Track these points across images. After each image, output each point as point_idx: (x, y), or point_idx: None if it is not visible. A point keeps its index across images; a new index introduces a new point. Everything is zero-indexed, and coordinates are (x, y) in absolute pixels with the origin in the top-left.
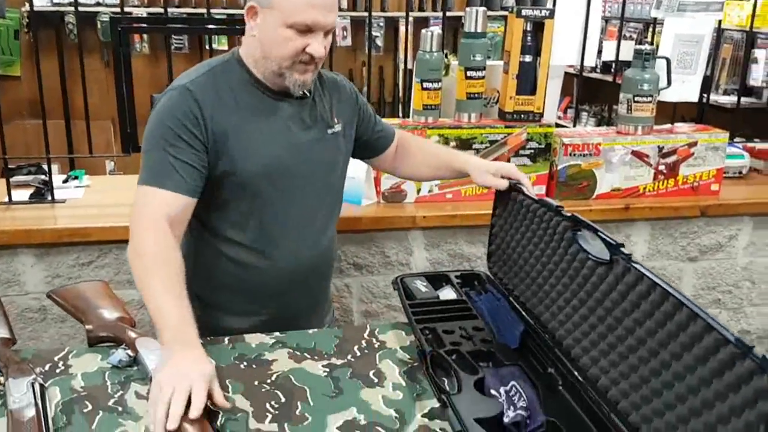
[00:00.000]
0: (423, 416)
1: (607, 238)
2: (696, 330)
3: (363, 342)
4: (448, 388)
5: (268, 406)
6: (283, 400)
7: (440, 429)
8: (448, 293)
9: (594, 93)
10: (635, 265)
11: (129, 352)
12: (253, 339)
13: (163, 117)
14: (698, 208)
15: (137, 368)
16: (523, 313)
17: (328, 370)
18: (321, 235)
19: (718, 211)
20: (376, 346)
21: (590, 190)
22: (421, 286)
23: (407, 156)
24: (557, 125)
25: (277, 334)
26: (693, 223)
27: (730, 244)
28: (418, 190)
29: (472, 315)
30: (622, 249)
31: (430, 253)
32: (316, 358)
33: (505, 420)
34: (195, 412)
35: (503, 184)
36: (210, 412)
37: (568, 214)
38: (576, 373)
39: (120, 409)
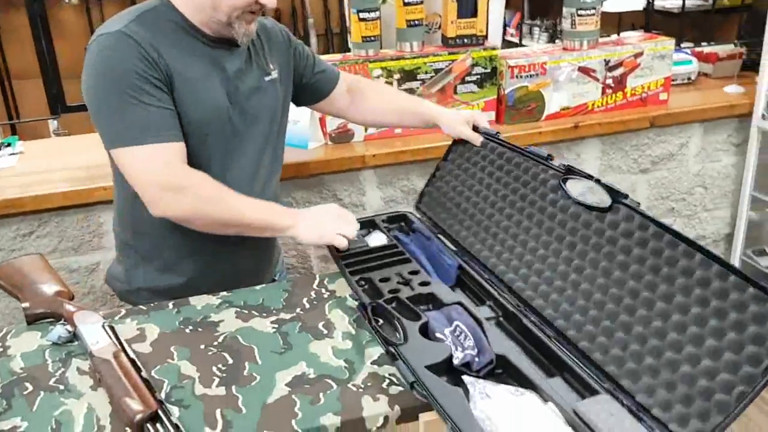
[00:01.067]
0: (372, 363)
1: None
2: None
3: (312, 293)
4: (394, 339)
5: (214, 369)
6: (230, 361)
7: (389, 374)
8: (377, 238)
9: (545, 7)
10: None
11: (68, 327)
12: (199, 301)
13: (113, 68)
14: (648, 120)
15: (77, 343)
16: (456, 249)
17: (276, 326)
18: (264, 188)
19: (668, 121)
20: (326, 296)
21: (539, 112)
22: None
23: (362, 100)
24: (510, 44)
25: (223, 293)
26: (643, 135)
27: (681, 152)
28: (366, 128)
29: (405, 259)
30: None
31: (383, 191)
32: (264, 314)
33: (455, 362)
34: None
35: (478, 141)
36: (149, 386)
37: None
38: (519, 303)
39: (61, 387)
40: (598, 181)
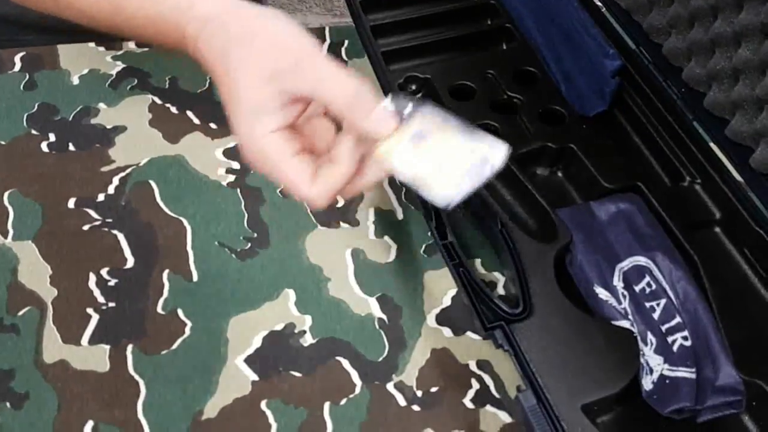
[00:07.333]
0: (438, 319)
1: None
2: None
3: None
4: (503, 308)
5: (92, 283)
6: (129, 262)
7: (480, 359)
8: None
9: None
10: None
11: None
12: (74, 60)
13: None
14: None
15: None
16: (614, 21)
17: (238, 166)
18: None
19: None
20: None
21: None
22: None
23: None
24: None
25: (130, 46)
26: None
27: None
28: None
29: (506, 31)
30: None
31: None
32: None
33: (645, 388)
34: None
35: None
36: None
37: None
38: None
39: None
40: None
